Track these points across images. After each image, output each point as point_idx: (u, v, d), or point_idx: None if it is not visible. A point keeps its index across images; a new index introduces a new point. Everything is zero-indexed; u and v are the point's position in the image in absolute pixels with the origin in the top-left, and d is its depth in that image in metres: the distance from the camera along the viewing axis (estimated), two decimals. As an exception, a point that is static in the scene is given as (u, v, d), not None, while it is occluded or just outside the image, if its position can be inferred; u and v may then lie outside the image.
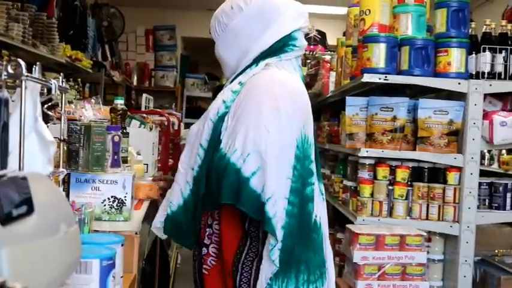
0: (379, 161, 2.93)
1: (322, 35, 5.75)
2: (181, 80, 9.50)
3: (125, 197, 1.95)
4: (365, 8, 2.97)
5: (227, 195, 1.57)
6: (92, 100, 2.37)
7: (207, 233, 1.76)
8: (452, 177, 2.83)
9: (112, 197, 1.94)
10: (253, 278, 1.65)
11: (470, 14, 2.90)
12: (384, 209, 2.88)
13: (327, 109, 4.32)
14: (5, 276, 0.74)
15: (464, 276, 2.78)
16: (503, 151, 4.36)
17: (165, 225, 1.78)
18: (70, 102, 2.68)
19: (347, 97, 3.02)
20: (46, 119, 1.72)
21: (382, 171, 2.88)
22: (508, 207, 2.89)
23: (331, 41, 6.31)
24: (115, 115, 2.41)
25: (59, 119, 1.75)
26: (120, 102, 2.43)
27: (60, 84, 1.54)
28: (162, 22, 9.16)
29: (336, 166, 3.76)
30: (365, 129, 2.91)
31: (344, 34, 3.90)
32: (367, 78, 2.79)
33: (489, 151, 4.69)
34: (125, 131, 2.38)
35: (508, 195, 2.90)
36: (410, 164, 2.91)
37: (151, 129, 3.29)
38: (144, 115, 3.99)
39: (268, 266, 1.57)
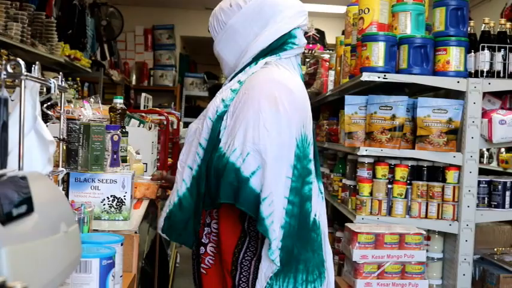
0: (378, 159, 2.94)
1: (321, 33, 5.76)
2: (180, 79, 9.50)
3: (124, 196, 1.94)
4: (364, 6, 2.97)
5: (226, 195, 1.57)
6: (91, 99, 2.37)
7: (205, 232, 1.75)
8: (451, 175, 2.84)
9: (111, 196, 1.94)
10: (252, 277, 1.65)
11: (469, 13, 2.90)
12: (383, 207, 2.88)
13: (326, 108, 4.32)
14: (5, 276, 0.74)
15: (464, 275, 2.79)
16: (502, 149, 4.37)
17: (163, 224, 1.78)
18: (69, 102, 2.68)
19: (346, 96, 3.02)
20: (45, 118, 1.72)
21: (381, 170, 2.89)
22: (507, 205, 2.89)
23: (330, 39, 6.32)
24: (114, 114, 2.41)
25: (58, 118, 1.75)
26: (119, 102, 2.43)
27: (60, 83, 1.54)
28: (161, 21, 9.16)
29: (335, 165, 3.76)
30: (364, 128, 2.92)
31: (343, 33, 3.90)
32: (366, 77, 2.79)
33: (488, 149, 4.70)
34: (124, 130, 2.38)
35: (507, 193, 2.90)
36: (410, 163, 2.91)
37: (150, 128, 3.29)
38: (143, 114, 4.00)
39: (268, 266, 1.57)
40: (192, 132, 1.76)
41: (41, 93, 1.41)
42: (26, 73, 1.23)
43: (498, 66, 2.86)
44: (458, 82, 2.81)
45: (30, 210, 0.85)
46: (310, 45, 4.93)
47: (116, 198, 1.94)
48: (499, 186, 2.90)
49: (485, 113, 2.84)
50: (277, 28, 1.73)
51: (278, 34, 1.73)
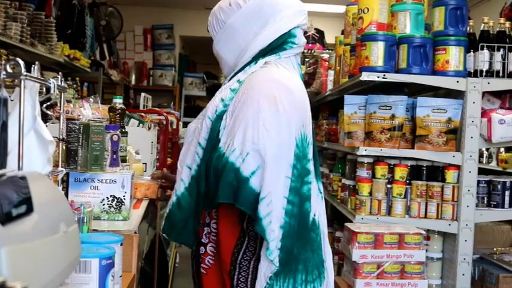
0: (378, 159, 2.94)
1: (321, 33, 5.76)
2: (179, 79, 9.50)
3: (124, 196, 1.94)
4: (363, 6, 2.97)
5: (225, 195, 1.56)
6: (91, 99, 2.37)
7: (205, 232, 1.75)
8: (450, 175, 2.84)
9: (111, 196, 1.94)
10: (250, 277, 1.65)
11: (468, 12, 2.90)
12: (382, 207, 2.88)
13: (325, 108, 4.32)
14: (4, 276, 0.74)
15: (463, 275, 2.79)
16: (502, 149, 4.37)
17: (164, 223, 1.78)
18: (68, 102, 2.68)
19: (345, 95, 3.02)
20: (45, 118, 1.72)
21: (381, 170, 2.89)
22: (506, 205, 2.89)
23: (329, 39, 6.32)
24: (114, 114, 2.41)
25: (58, 118, 1.74)
26: (118, 102, 2.43)
27: (59, 83, 1.54)
28: (160, 21, 9.16)
29: (334, 165, 3.76)
30: (363, 128, 2.92)
31: (342, 32, 3.90)
32: (365, 76, 2.79)
33: (487, 149, 4.70)
34: (123, 130, 2.38)
35: (507, 193, 2.90)
36: (409, 163, 2.91)
37: (149, 128, 3.29)
38: (143, 114, 4.00)
39: (267, 266, 1.57)
40: (191, 131, 1.76)
41: (40, 93, 1.41)
42: (25, 73, 1.23)
43: (497, 66, 2.86)
44: (457, 82, 2.81)
45: (29, 210, 0.85)
46: (310, 45, 4.93)
47: (116, 198, 1.94)
48: (499, 186, 2.90)
49: (484, 113, 2.84)
50: (276, 27, 1.73)
51: (278, 33, 1.73)
